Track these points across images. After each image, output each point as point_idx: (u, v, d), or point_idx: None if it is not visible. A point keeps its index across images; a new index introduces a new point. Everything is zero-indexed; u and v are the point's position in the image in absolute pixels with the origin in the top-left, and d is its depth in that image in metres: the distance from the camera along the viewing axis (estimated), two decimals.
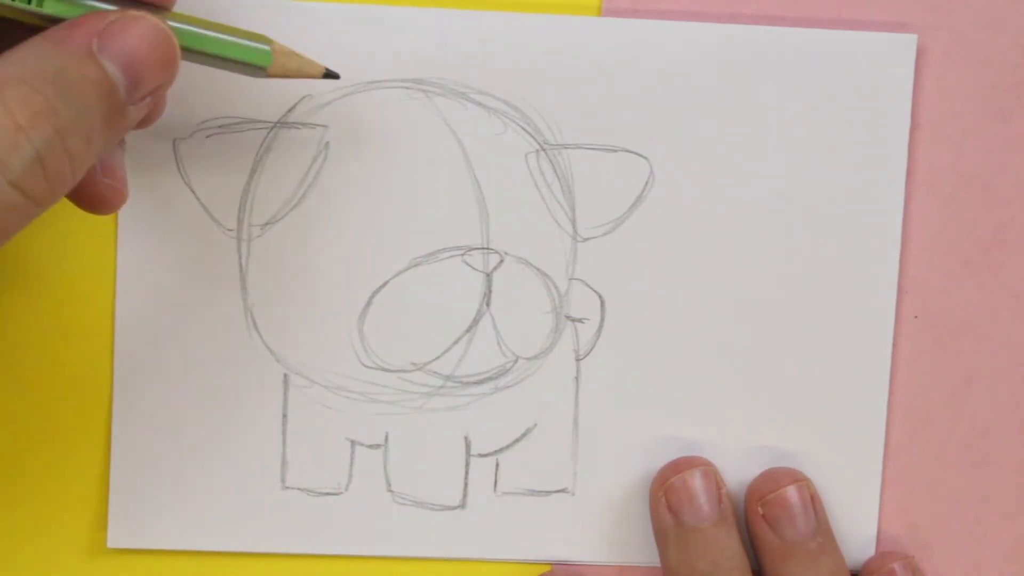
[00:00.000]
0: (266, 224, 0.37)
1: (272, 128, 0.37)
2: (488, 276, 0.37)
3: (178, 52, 0.30)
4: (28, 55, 0.28)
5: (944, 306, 0.38)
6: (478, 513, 0.38)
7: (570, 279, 0.38)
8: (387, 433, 0.38)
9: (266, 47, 0.33)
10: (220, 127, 0.37)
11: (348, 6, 0.36)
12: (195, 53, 0.32)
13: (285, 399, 0.38)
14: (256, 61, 0.32)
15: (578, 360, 0.38)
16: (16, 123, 0.27)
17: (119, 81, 0.29)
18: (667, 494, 0.37)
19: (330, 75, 0.34)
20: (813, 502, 0.37)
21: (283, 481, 0.38)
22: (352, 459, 0.38)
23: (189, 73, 0.33)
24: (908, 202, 0.38)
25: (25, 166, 0.27)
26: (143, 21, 0.29)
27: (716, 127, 0.37)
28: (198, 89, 0.36)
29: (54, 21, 0.30)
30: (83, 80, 0.28)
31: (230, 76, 0.33)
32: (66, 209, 0.33)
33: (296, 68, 0.33)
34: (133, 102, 0.30)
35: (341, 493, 0.38)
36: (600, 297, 0.38)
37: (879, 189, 0.37)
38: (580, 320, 0.38)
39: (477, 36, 0.36)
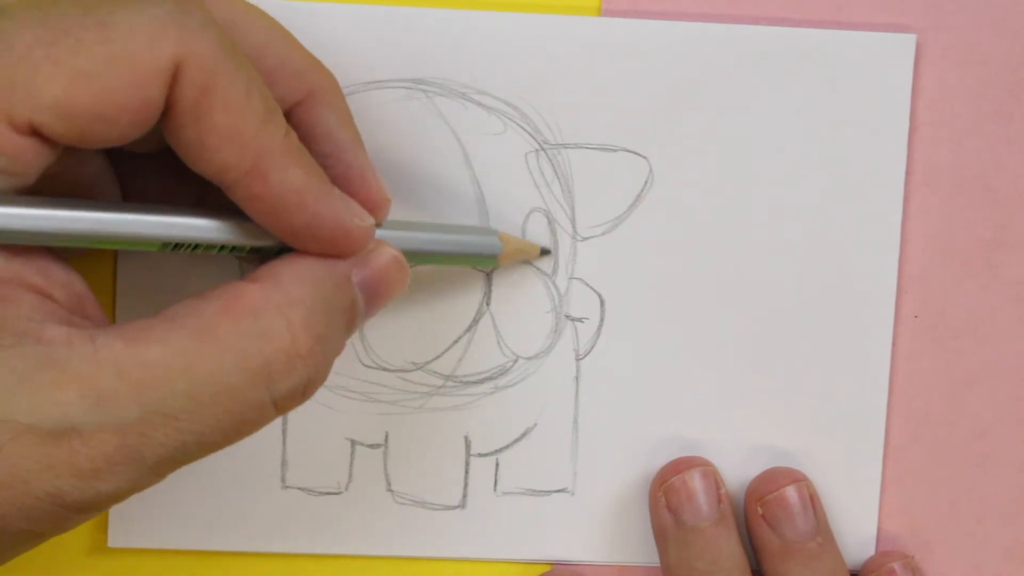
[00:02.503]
0: None
1: None
2: (488, 276, 0.37)
3: (408, 278, 0.32)
4: (303, 275, 0.29)
5: (944, 306, 0.38)
6: (478, 513, 0.38)
7: (570, 279, 0.38)
8: (387, 433, 0.38)
9: (495, 239, 0.35)
10: None
11: (348, 6, 0.36)
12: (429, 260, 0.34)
13: None
14: (488, 253, 0.35)
15: (578, 360, 0.38)
16: (297, 349, 0.28)
17: (361, 304, 0.30)
18: (666, 494, 0.37)
19: (544, 252, 0.37)
20: (812, 502, 0.37)
21: (283, 481, 0.38)
22: (352, 459, 0.38)
23: None
24: (907, 202, 0.38)
25: (292, 389, 0.28)
26: (387, 252, 0.31)
27: (715, 127, 0.37)
28: None
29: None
30: (342, 305, 0.30)
31: None
32: None
33: (516, 250, 0.36)
34: (365, 319, 0.31)
35: (341, 493, 0.38)
36: (600, 297, 0.38)
37: (878, 189, 0.37)
38: (580, 320, 0.38)
39: (477, 36, 0.36)
